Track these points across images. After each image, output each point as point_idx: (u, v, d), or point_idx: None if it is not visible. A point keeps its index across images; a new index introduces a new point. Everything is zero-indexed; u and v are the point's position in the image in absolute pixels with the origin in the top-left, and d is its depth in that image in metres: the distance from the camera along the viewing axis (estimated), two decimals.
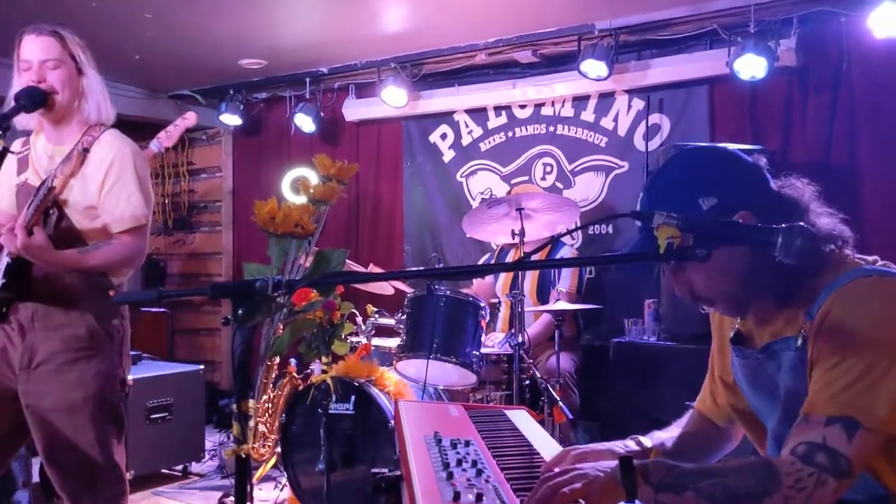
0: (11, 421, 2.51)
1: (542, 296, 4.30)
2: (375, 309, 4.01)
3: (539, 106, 5.11)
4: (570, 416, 3.48)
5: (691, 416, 1.87)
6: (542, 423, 3.30)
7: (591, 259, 4.72)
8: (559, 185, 5.03)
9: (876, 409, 1.33)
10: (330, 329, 3.62)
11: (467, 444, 1.75)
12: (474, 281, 4.76)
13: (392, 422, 3.16)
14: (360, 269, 4.23)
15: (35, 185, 2.50)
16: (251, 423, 1.30)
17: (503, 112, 5.25)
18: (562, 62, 4.91)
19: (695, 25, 4.37)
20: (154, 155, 2.95)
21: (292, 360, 4.08)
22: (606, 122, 4.88)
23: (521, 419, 2.17)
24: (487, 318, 3.77)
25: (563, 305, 3.83)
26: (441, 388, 3.76)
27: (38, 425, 2.46)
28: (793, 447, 1.36)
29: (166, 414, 4.41)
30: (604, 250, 4.88)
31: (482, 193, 5.31)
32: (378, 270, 4.68)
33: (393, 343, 3.90)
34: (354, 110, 5.69)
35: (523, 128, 5.19)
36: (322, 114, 5.70)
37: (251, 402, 1.33)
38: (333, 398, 3.49)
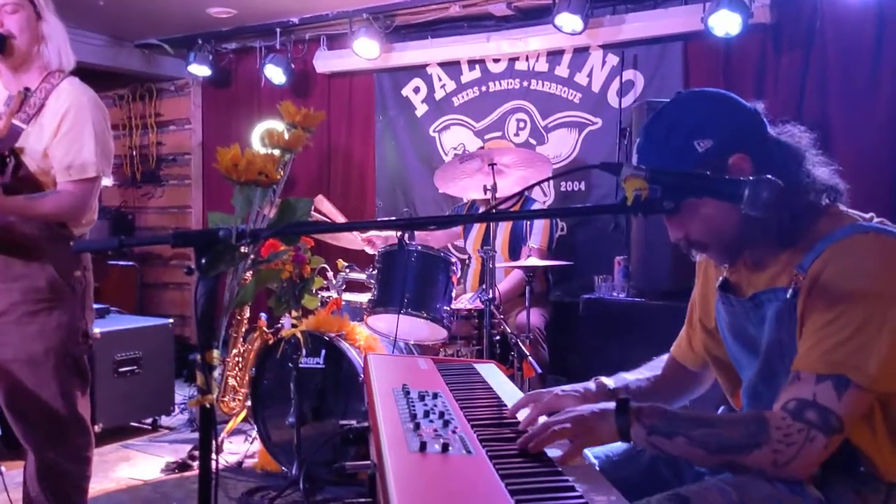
0: None
1: (514, 252, 4.31)
2: (346, 263, 3.99)
3: (513, 60, 5.06)
4: (539, 371, 3.51)
5: (666, 360, 1.89)
6: (511, 377, 3.32)
7: (561, 210, 4.73)
8: (532, 141, 5.01)
9: (867, 368, 1.33)
10: (300, 283, 3.60)
11: (435, 396, 1.76)
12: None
13: (362, 376, 3.18)
14: (334, 212, 4.16)
15: None
16: (216, 374, 1.29)
17: (477, 66, 5.19)
18: (536, 15, 4.86)
19: None
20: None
21: (262, 315, 4.07)
22: (580, 78, 4.85)
23: (490, 372, 2.19)
24: (459, 273, 3.77)
25: (535, 262, 3.84)
26: (412, 342, 3.77)
27: (0, 376, 2.43)
28: (784, 403, 1.37)
29: (135, 367, 4.39)
30: (578, 205, 4.89)
31: (455, 149, 5.28)
32: (327, 203, 4.58)
33: (364, 298, 3.89)
34: (326, 62, 5.60)
35: (497, 82, 5.14)
36: (293, 65, 5.60)
37: (215, 353, 1.32)
38: (304, 352, 3.49)
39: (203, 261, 1.27)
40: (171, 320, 4.74)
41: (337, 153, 5.80)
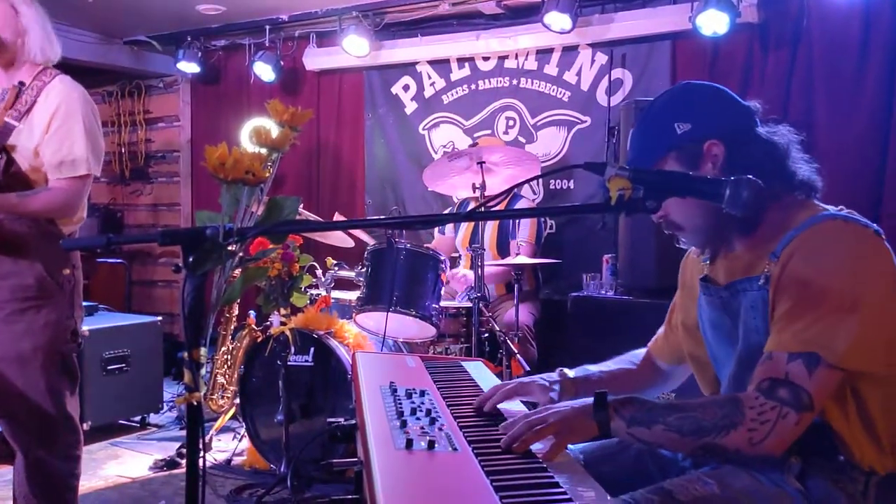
0: None
1: (502, 248, 4.32)
2: (335, 261, 4.00)
3: (502, 58, 5.08)
4: (528, 369, 3.53)
5: (643, 356, 1.95)
6: (499, 375, 3.34)
7: (546, 210, 4.74)
8: (522, 139, 5.02)
9: (837, 346, 1.37)
10: (289, 281, 3.62)
11: (422, 393, 1.77)
12: (435, 236, 4.77)
13: (350, 373, 3.18)
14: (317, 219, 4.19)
15: None
16: (203, 372, 1.30)
17: (466, 64, 5.20)
18: (526, 13, 4.87)
19: None
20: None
21: (251, 313, 4.07)
22: (569, 77, 4.86)
23: (477, 370, 2.20)
24: (447, 271, 3.78)
25: (523, 259, 3.85)
26: (401, 340, 3.78)
27: None
28: (757, 383, 1.41)
29: (123, 365, 4.38)
30: (565, 204, 4.91)
31: (444, 146, 5.29)
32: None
33: (353, 295, 3.90)
34: (315, 60, 5.60)
35: (486, 80, 5.15)
36: (282, 63, 5.60)
37: (203, 350, 1.32)
38: (292, 350, 3.50)
39: (190, 259, 1.28)
40: (159, 318, 4.74)
41: (326, 151, 5.79)
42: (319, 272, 3.96)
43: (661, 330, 1.94)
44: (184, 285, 1.30)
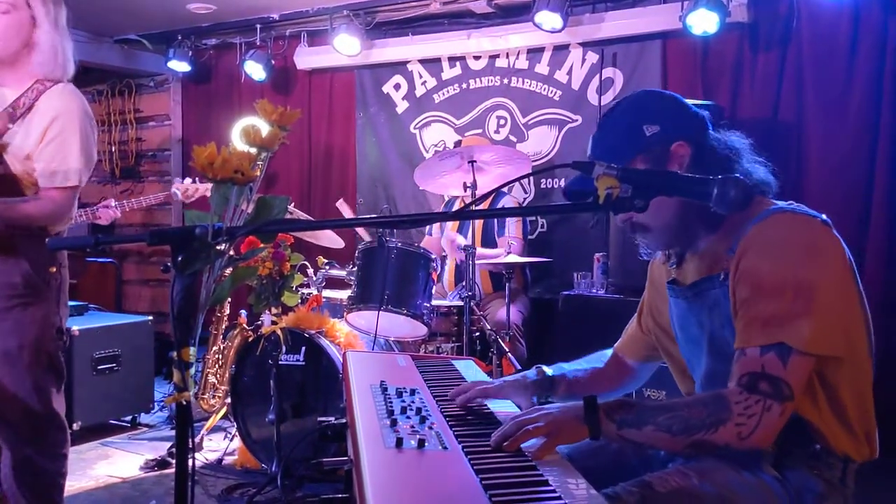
0: None
1: (488, 242, 4.32)
2: (326, 260, 3.99)
3: (493, 57, 5.08)
4: (518, 367, 3.53)
5: (610, 355, 2.01)
6: (490, 373, 3.35)
7: (534, 209, 4.76)
8: (513, 138, 5.03)
9: (801, 333, 1.43)
10: (280, 280, 3.61)
11: (413, 392, 1.77)
12: (425, 237, 4.77)
13: (342, 373, 3.18)
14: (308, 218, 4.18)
15: None
16: (193, 371, 1.30)
17: (457, 63, 5.21)
18: (516, 13, 4.89)
19: None
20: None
21: (242, 312, 4.06)
22: (560, 76, 4.87)
23: (468, 369, 2.20)
24: (438, 270, 3.78)
25: (514, 259, 3.86)
26: (392, 339, 3.78)
27: None
28: (737, 379, 1.45)
29: (114, 365, 4.36)
30: (555, 203, 4.92)
31: (436, 146, 5.29)
32: (347, 208, 4.64)
33: (344, 295, 3.89)
34: (306, 59, 5.59)
35: (477, 79, 5.16)
36: (273, 62, 5.59)
37: (192, 350, 1.32)
38: (283, 349, 3.49)
39: (179, 258, 1.28)
40: (150, 317, 4.72)
41: (318, 150, 5.79)
42: (311, 271, 3.96)
43: (628, 329, 2.00)
44: (173, 285, 1.29)
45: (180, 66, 5.76)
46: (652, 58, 4.57)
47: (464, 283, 3.65)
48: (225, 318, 4.18)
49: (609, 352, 2.02)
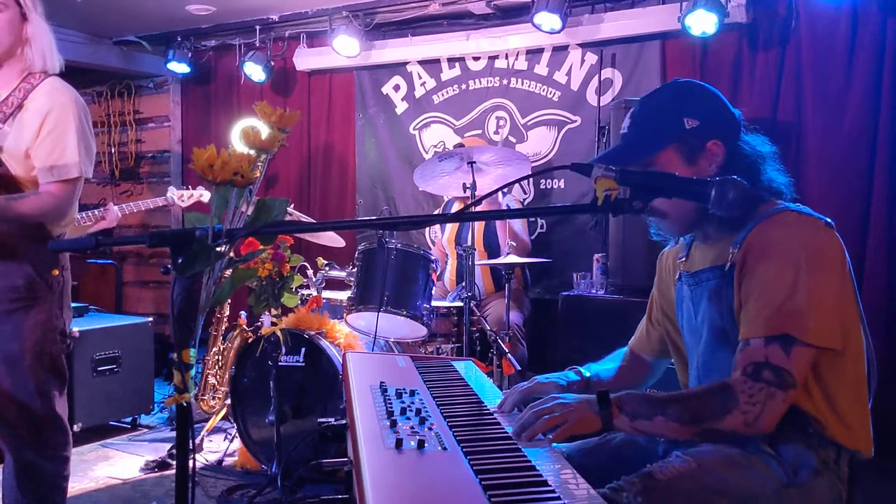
0: None
1: (489, 248, 4.33)
2: (326, 261, 4.00)
3: (493, 58, 5.09)
4: (518, 368, 3.53)
5: (626, 353, 2.06)
6: (490, 374, 3.36)
7: (533, 210, 4.75)
8: (512, 139, 5.03)
9: (806, 324, 1.49)
10: (280, 281, 3.60)
11: (412, 393, 1.78)
12: (436, 243, 4.76)
13: (342, 374, 3.19)
14: (308, 219, 4.19)
15: None
16: (193, 373, 1.30)
17: (457, 64, 5.21)
18: (516, 13, 4.89)
19: None
20: None
21: (242, 313, 4.07)
22: (559, 76, 4.88)
23: (468, 370, 2.21)
24: (438, 271, 3.78)
25: (513, 259, 3.86)
26: (392, 340, 3.78)
27: None
28: (742, 368, 1.51)
29: (114, 366, 4.37)
30: (556, 204, 4.92)
31: (435, 146, 5.29)
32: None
33: (343, 296, 3.89)
34: (305, 60, 5.60)
35: (477, 80, 5.16)
36: (272, 63, 5.59)
37: (192, 352, 1.32)
38: (283, 350, 3.49)
39: (179, 260, 1.28)
40: (150, 319, 4.72)
41: (317, 151, 5.79)
42: (310, 272, 3.96)
43: (641, 324, 2.05)
44: (173, 287, 1.30)
45: (180, 67, 5.76)
46: (651, 58, 4.58)
47: (463, 284, 3.65)
48: (225, 320, 4.19)
49: (625, 350, 2.08)
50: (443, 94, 5.28)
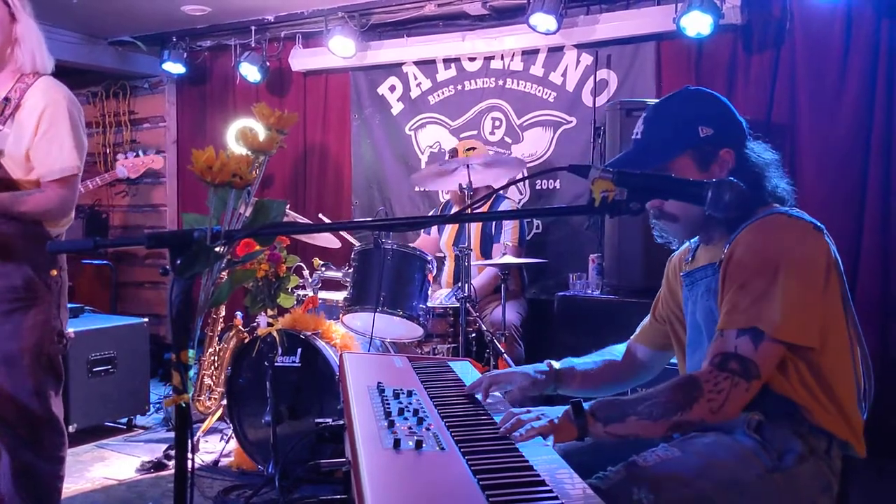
0: None
1: (485, 250, 4.34)
2: (322, 262, 4.00)
3: (488, 59, 5.09)
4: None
5: (626, 348, 2.11)
6: None
7: (531, 211, 4.77)
8: (508, 139, 5.04)
9: (774, 319, 1.55)
10: (276, 282, 3.61)
11: (410, 393, 1.78)
12: (420, 234, 4.78)
13: (338, 374, 3.19)
14: (304, 220, 4.19)
15: None
16: (191, 374, 1.30)
17: (452, 65, 5.21)
18: (511, 15, 4.89)
19: None
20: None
21: (238, 314, 4.06)
22: (555, 77, 4.89)
23: (464, 370, 2.21)
24: (434, 271, 3.79)
25: (509, 259, 3.87)
26: (388, 340, 3.79)
27: None
28: (710, 358, 1.59)
29: (109, 367, 4.36)
30: (551, 205, 4.93)
31: (431, 147, 5.30)
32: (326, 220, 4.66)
33: (340, 296, 3.90)
34: (301, 60, 5.59)
35: (472, 81, 5.17)
36: (268, 63, 5.59)
37: (190, 353, 1.33)
38: (280, 351, 3.50)
39: (178, 262, 1.28)
40: (145, 319, 4.72)
41: (313, 151, 5.79)
42: (306, 273, 3.96)
43: (643, 322, 2.10)
44: (171, 288, 1.30)
45: (175, 67, 5.76)
46: (646, 59, 4.58)
47: (459, 285, 3.66)
48: (221, 320, 4.19)
49: (621, 346, 2.13)
50: (438, 95, 5.28)
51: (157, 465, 3.86)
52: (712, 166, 1.73)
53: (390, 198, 5.49)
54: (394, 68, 5.40)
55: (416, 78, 5.34)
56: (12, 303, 2.40)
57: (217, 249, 1.33)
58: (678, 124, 1.75)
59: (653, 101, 4.02)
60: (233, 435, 3.76)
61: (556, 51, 4.86)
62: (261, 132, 1.48)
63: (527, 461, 1.40)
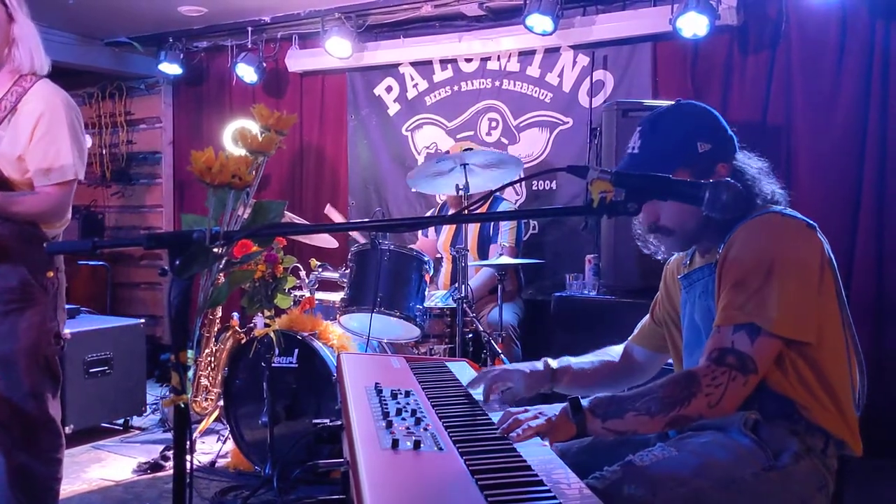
0: None
1: (482, 251, 4.35)
2: (319, 263, 4.00)
3: (485, 60, 5.10)
4: None
5: (623, 349, 2.13)
6: None
7: (529, 212, 4.78)
8: (504, 140, 5.04)
9: (770, 314, 1.57)
10: (273, 283, 3.61)
11: (407, 394, 1.79)
12: (419, 237, 4.78)
13: (335, 375, 3.19)
14: (301, 221, 4.19)
15: None
16: (190, 374, 1.31)
17: (449, 65, 5.22)
18: (508, 15, 4.90)
19: None
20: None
21: (235, 314, 4.06)
22: (551, 78, 4.89)
23: (462, 370, 2.22)
24: (431, 272, 3.79)
25: (506, 260, 3.87)
26: (385, 341, 3.79)
27: None
28: (708, 353, 1.61)
29: (105, 368, 4.36)
30: (547, 205, 4.94)
31: (427, 148, 5.30)
32: (336, 213, 4.66)
33: (337, 297, 3.90)
34: (298, 61, 5.59)
35: (469, 82, 5.17)
36: (264, 64, 5.59)
37: (189, 353, 1.33)
38: (276, 352, 3.50)
39: (177, 262, 1.29)
40: (142, 320, 4.72)
41: (309, 152, 5.79)
42: (303, 273, 3.96)
43: (641, 323, 2.11)
44: (170, 289, 1.30)
45: (171, 68, 5.75)
46: (642, 60, 4.59)
47: (456, 285, 3.66)
48: (217, 321, 4.18)
49: (619, 347, 2.14)
50: (435, 96, 5.28)
51: (154, 466, 3.85)
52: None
53: (387, 199, 5.49)
54: (390, 69, 5.41)
55: (412, 79, 5.34)
56: (8, 304, 2.39)
57: (216, 250, 1.33)
58: (677, 140, 1.77)
59: (649, 101, 4.05)
60: (230, 436, 3.76)
61: (552, 52, 4.87)
62: (256, 132, 1.48)
63: (524, 461, 1.41)
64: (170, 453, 3.94)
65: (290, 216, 4.23)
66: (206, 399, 4.09)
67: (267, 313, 3.63)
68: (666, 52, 4.54)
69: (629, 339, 2.13)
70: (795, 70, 4.17)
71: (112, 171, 6.62)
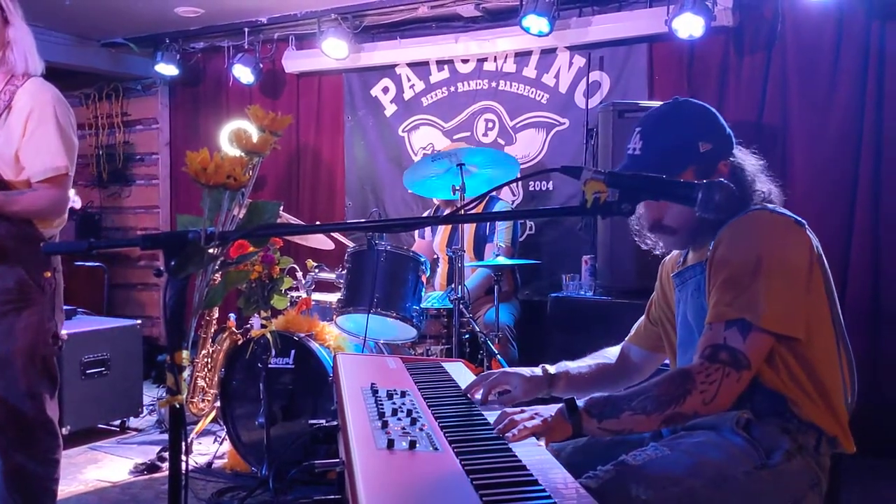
0: None
1: (478, 251, 4.35)
2: (316, 263, 4.00)
3: (481, 61, 5.10)
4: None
5: (620, 350, 2.14)
6: None
7: (524, 212, 4.78)
8: (501, 141, 5.05)
9: (759, 310, 1.58)
10: (269, 283, 3.61)
11: (403, 394, 1.79)
12: (415, 238, 4.78)
13: (331, 375, 3.19)
14: (298, 222, 4.19)
15: None
16: (185, 375, 1.31)
17: (445, 66, 5.22)
18: (504, 17, 4.90)
19: None
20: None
21: (231, 315, 4.06)
22: (548, 79, 4.90)
23: (458, 371, 2.22)
24: (428, 272, 3.79)
25: (503, 261, 3.87)
26: (381, 342, 3.79)
27: None
28: (701, 351, 1.62)
29: (102, 369, 4.35)
30: (544, 206, 4.94)
31: (424, 149, 5.30)
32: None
33: (333, 298, 3.90)
34: (294, 62, 5.59)
35: (466, 83, 5.18)
36: (261, 65, 5.59)
37: (185, 354, 1.33)
38: (273, 353, 3.50)
39: (172, 263, 1.29)
40: (139, 321, 4.72)
41: (306, 153, 5.79)
42: (300, 274, 3.96)
43: (638, 322, 2.12)
44: (165, 289, 1.30)
45: (168, 69, 5.74)
46: (638, 61, 4.60)
47: (452, 286, 3.66)
48: (214, 322, 4.18)
49: (615, 349, 2.14)
50: (432, 97, 5.29)
51: (151, 468, 3.85)
52: (711, 179, 1.76)
53: (384, 199, 5.49)
54: (387, 70, 5.41)
55: (409, 80, 5.35)
56: (5, 304, 2.39)
57: (211, 251, 1.34)
58: (679, 141, 1.78)
59: (645, 102, 4.06)
60: (226, 437, 3.76)
61: (548, 52, 4.87)
62: (253, 133, 1.49)
63: (520, 461, 1.41)
64: (166, 454, 3.94)
65: (286, 217, 4.23)
66: (203, 400, 4.08)
67: (263, 314, 3.63)
68: (662, 53, 4.55)
69: (626, 339, 2.14)
70: (791, 71, 4.18)
71: (108, 172, 6.61)
